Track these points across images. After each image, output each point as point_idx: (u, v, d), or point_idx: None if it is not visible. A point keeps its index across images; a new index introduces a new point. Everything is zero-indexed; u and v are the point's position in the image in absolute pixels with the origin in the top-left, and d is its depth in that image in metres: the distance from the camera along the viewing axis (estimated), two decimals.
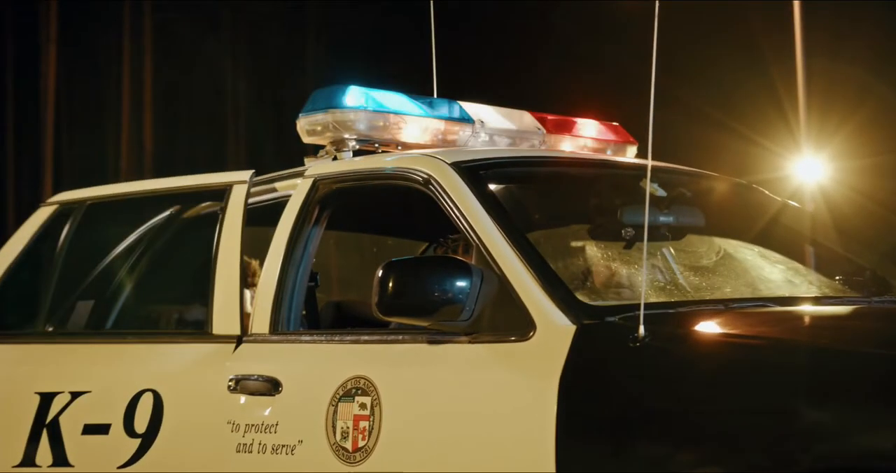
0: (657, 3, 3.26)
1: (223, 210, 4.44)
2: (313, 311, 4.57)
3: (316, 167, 4.40)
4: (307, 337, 4.15)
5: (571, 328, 3.37)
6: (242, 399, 4.02)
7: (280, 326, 4.13)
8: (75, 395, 4.41)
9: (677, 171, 4.60)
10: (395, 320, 3.70)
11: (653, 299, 3.83)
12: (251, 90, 22.65)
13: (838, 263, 4.44)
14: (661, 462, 3.06)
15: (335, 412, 3.73)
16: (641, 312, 3.24)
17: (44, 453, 4.41)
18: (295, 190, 4.33)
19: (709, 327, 3.49)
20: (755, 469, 2.92)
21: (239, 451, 3.96)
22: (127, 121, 21.06)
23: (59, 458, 4.38)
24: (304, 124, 4.54)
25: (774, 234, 4.59)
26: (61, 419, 4.41)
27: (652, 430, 3.11)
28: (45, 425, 4.43)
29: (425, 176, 3.95)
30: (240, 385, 4.04)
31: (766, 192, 4.80)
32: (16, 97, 21.73)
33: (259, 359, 4.09)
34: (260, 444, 3.92)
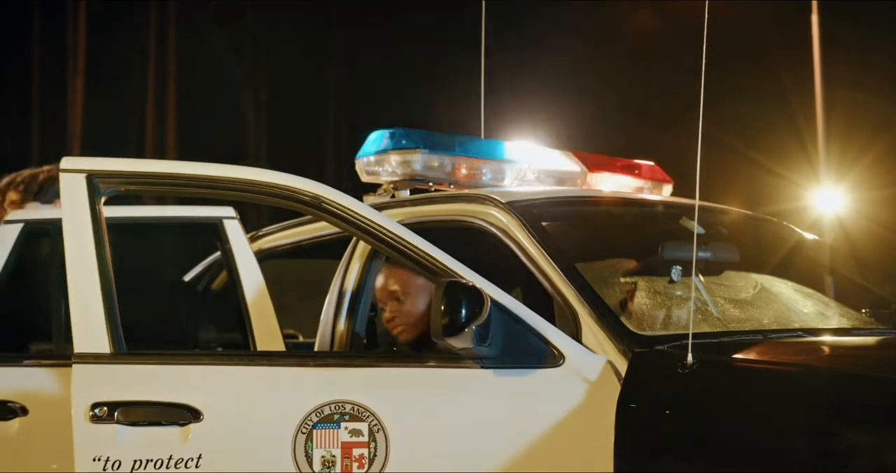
0: (704, 60, 3.51)
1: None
2: (373, 339, 4.81)
3: None
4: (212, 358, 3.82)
5: (623, 356, 3.62)
6: (120, 429, 3.58)
7: (124, 344, 3.66)
8: None
9: (713, 210, 4.85)
10: (446, 343, 3.60)
11: (693, 329, 4.06)
12: (273, 118, 22.90)
13: (865, 296, 4.68)
14: None
15: (308, 439, 3.59)
16: (690, 341, 3.50)
17: None
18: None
19: (750, 355, 3.73)
20: None
21: None
22: (151, 154, 21.29)
23: None
24: (362, 165, 4.80)
25: (804, 269, 4.81)
26: None
27: (702, 452, 3.35)
28: None
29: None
30: (115, 413, 3.59)
31: (796, 229, 5.05)
32: (42, 128, 22.01)
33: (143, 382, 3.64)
34: None
